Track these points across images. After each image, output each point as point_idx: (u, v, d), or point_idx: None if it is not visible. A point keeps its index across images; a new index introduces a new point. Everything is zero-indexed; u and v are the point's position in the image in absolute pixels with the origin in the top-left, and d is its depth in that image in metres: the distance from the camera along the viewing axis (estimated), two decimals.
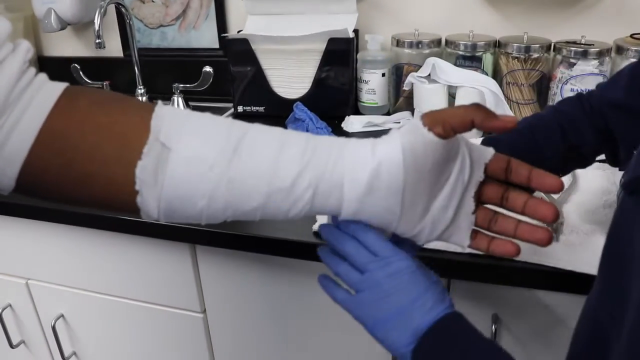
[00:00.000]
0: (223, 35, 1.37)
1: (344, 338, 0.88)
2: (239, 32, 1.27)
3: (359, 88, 1.23)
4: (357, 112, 1.25)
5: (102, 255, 0.98)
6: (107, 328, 1.08)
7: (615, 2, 1.12)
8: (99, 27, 1.17)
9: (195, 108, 1.36)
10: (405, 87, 1.15)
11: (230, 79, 1.25)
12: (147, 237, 0.90)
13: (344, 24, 1.16)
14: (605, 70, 1.05)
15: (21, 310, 1.13)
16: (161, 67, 1.47)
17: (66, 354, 1.13)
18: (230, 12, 1.39)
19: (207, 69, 1.32)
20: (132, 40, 1.33)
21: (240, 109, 1.27)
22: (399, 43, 1.18)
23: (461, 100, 1.07)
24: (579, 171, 0.85)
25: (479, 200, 0.47)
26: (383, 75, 1.20)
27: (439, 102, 1.08)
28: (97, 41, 1.18)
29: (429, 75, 1.09)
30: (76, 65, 1.42)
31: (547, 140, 0.60)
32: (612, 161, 0.64)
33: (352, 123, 1.16)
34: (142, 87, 1.37)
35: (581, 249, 0.69)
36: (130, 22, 1.32)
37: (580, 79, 1.05)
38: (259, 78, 1.23)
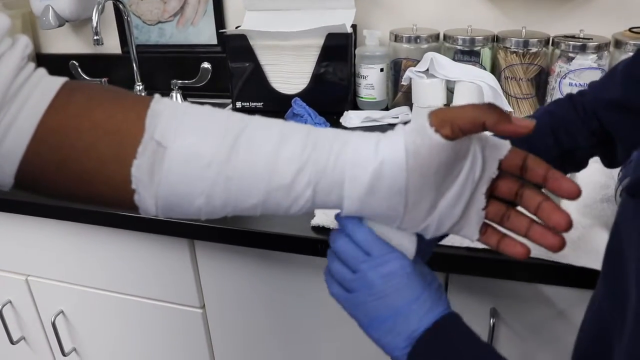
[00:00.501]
0: (221, 31, 1.37)
1: (343, 332, 0.89)
2: (237, 28, 1.27)
3: (357, 83, 1.23)
4: (356, 107, 1.25)
5: (101, 251, 0.98)
6: (106, 324, 1.08)
7: None
8: (97, 23, 1.17)
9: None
10: (404, 82, 1.15)
11: (228, 75, 1.25)
12: (146, 233, 0.90)
13: (342, 19, 1.16)
14: (604, 65, 1.05)
15: (21, 307, 1.14)
16: (159, 63, 1.46)
17: (66, 350, 1.13)
18: (228, 8, 1.39)
19: (206, 65, 1.32)
20: (130, 37, 1.33)
21: (238, 104, 1.27)
22: (397, 38, 1.18)
23: (460, 95, 1.07)
24: None
25: (492, 194, 0.45)
26: (381, 70, 1.20)
27: (437, 97, 1.08)
28: (95, 38, 1.18)
29: (427, 70, 1.09)
30: (74, 62, 1.42)
31: (541, 145, 0.59)
32: (607, 163, 0.63)
33: (350, 118, 1.16)
34: (140, 83, 1.37)
35: (580, 243, 0.70)
36: (128, 19, 1.32)
37: (578, 73, 1.05)
38: (258, 74, 1.23)
